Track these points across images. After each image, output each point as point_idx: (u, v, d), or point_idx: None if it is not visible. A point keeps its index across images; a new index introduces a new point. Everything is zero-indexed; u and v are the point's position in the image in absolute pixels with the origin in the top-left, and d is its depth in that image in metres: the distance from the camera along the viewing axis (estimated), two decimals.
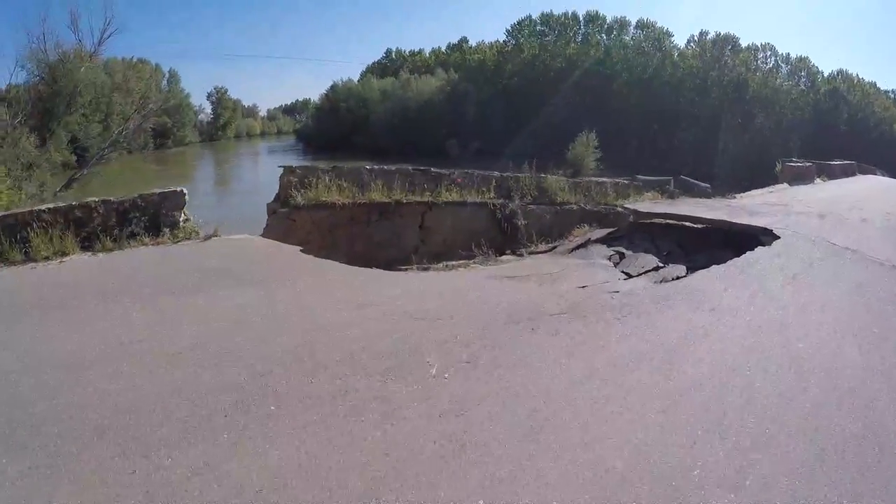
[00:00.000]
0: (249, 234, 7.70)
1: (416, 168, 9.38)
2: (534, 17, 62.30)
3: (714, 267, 6.28)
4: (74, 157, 26.20)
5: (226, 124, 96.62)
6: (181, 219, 7.12)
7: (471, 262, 8.20)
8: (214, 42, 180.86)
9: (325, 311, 4.57)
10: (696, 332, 4.30)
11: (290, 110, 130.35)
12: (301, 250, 6.43)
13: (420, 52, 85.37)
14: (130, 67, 63.12)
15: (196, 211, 7.79)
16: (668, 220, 9.22)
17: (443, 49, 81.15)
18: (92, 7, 58.97)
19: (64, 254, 6.32)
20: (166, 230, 6.79)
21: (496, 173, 10.25)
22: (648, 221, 9.43)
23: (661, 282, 6.42)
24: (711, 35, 53.23)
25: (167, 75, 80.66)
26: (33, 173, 19.71)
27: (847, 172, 20.31)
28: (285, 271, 5.65)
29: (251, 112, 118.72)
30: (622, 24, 58.41)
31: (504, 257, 8.48)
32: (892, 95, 53.77)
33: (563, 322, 4.42)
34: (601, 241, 8.95)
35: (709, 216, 8.97)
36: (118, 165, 48.89)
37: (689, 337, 4.19)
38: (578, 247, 8.50)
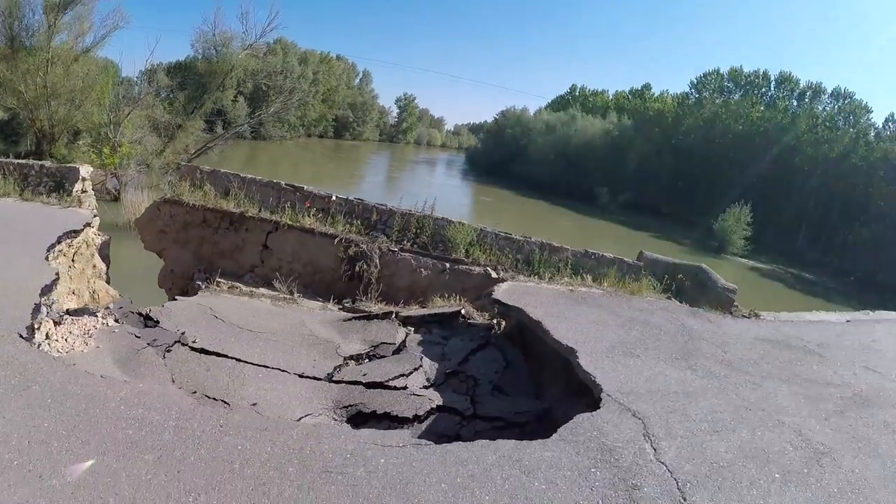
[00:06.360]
0: None
1: (289, 184, 9.24)
2: (722, 72, 56.78)
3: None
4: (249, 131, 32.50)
5: (407, 129, 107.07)
6: (76, 188, 9.46)
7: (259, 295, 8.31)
8: (410, 55, 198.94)
9: None
10: None
11: (476, 129, 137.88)
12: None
13: (604, 92, 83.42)
14: (324, 61, 72.96)
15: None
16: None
17: (626, 93, 78.31)
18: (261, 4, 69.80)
19: (6, 195, 9.06)
20: (53, 195, 9.20)
21: (386, 206, 9.08)
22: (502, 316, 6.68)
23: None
24: None
25: (360, 74, 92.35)
26: (177, 135, 25.07)
27: None
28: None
29: (437, 123, 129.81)
30: (816, 90, 50.38)
31: (312, 303, 7.50)
32: None
33: None
34: (417, 320, 6.61)
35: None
36: (293, 144, 58.66)
37: None
38: (362, 317, 6.62)
